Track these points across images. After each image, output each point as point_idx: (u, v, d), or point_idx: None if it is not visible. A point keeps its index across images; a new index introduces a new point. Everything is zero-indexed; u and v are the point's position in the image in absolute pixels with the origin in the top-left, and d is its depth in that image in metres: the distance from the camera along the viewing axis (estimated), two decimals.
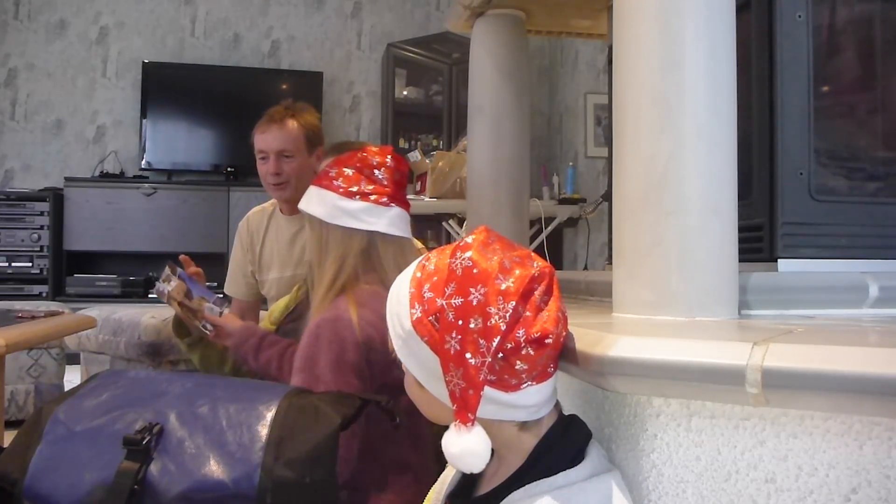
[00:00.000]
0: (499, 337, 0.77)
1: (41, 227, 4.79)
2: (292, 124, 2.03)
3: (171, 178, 5.16)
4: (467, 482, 0.95)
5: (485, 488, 0.90)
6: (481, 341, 0.78)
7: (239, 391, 1.12)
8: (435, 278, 0.83)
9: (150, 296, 4.76)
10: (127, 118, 5.31)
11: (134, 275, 4.94)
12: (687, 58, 1.00)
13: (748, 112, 1.21)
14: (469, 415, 0.78)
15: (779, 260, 1.19)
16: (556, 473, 0.81)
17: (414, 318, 0.83)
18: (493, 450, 0.86)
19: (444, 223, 3.84)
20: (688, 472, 0.83)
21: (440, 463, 0.91)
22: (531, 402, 0.83)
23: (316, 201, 1.45)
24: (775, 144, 1.19)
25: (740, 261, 1.06)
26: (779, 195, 1.19)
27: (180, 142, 5.26)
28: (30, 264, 4.78)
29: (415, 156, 3.96)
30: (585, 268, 4.43)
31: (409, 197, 1.53)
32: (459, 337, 0.78)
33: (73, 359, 3.14)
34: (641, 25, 1.03)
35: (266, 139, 2.02)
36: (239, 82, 5.30)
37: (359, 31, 5.67)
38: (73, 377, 3.23)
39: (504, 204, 2.23)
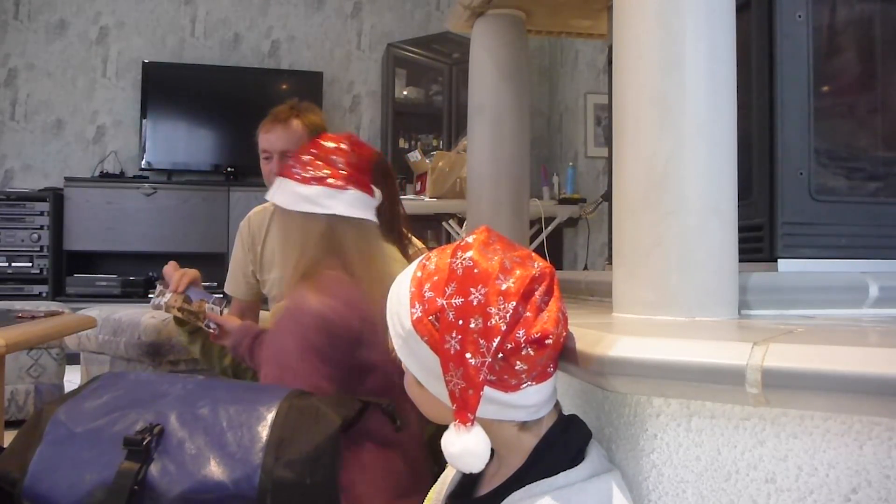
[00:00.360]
0: (499, 337, 0.77)
1: (41, 227, 4.79)
2: (296, 124, 2.03)
3: (171, 178, 5.16)
4: (467, 482, 0.95)
5: (485, 489, 0.90)
6: (481, 341, 0.78)
7: (239, 393, 1.12)
8: (435, 278, 0.83)
9: (149, 296, 4.75)
10: (127, 118, 5.31)
11: (134, 275, 4.94)
12: (687, 58, 1.00)
13: (748, 112, 1.21)
14: (468, 415, 0.78)
15: (779, 260, 1.19)
16: (556, 474, 0.81)
17: (414, 318, 0.83)
18: (493, 450, 0.86)
19: (444, 223, 3.84)
20: (688, 472, 0.83)
21: (439, 463, 0.91)
22: (531, 402, 0.83)
23: (278, 191, 1.47)
24: (775, 144, 1.19)
25: (740, 261, 1.06)
26: (779, 195, 1.19)
27: (180, 142, 5.26)
28: (30, 264, 4.78)
29: (415, 156, 3.96)
30: (585, 268, 4.43)
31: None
32: (459, 337, 0.78)
33: (73, 359, 3.14)
34: (641, 25, 1.03)
35: (270, 139, 2.02)
36: (239, 82, 5.30)
37: (359, 31, 5.67)
38: (73, 377, 3.23)
39: (504, 204, 2.23)
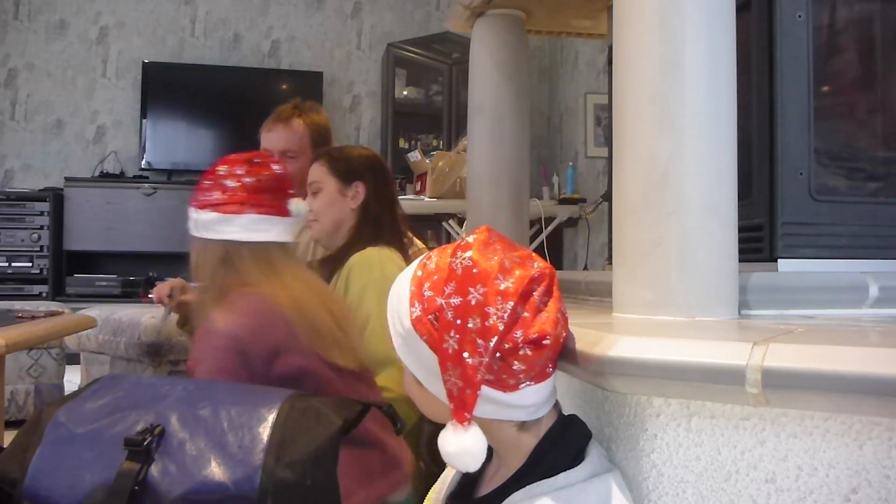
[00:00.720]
0: (496, 337, 0.77)
1: (41, 227, 4.79)
2: (298, 124, 2.03)
3: (171, 178, 5.16)
4: (467, 483, 0.95)
5: (485, 489, 0.90)
6: (479, 341, 0.78)
7: (240, 394, 1.12)
8: (435, 277, 0.83)
9: (149, 296, 4.76)
10: (127, 118, 5.31)
11: (134, 275, 4.94)
12: (687, 58, 1.00)
13: (748, 112, 1.21)
14: (466, 414, 0.78)
15: (779, 260, 1.19)
16: (556, 474, 0.81)
17: (413, 317, 0.83)
18: (492, 450, 0.86)
19: (444, 223, 3.84)
20: (688, 472, 0.83)
21: (438, 464, 0.91)
22: (530, 402, 0.83)
23: (189, 217, 1.47)
24: (775, 144, 1.19)
25: (740, 261, 1.06)
26: (779, 195, 1.19)
27: (180, 142, 5.26)
28: (30, 264, 4.78)
29: (415, 156, 3.96)
30: (585, 268, 4.43)
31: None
32: (458, 336, 0.78)
33: (73, 359, 3.14)
34: (641, 25, 1.03)
35: (271, 138, 2.03)
36: (239, 82, 5.30)
37: (359, 31, 5.67)
38: (73, 377, 3.23)
39: (504, 204, 2.23)
